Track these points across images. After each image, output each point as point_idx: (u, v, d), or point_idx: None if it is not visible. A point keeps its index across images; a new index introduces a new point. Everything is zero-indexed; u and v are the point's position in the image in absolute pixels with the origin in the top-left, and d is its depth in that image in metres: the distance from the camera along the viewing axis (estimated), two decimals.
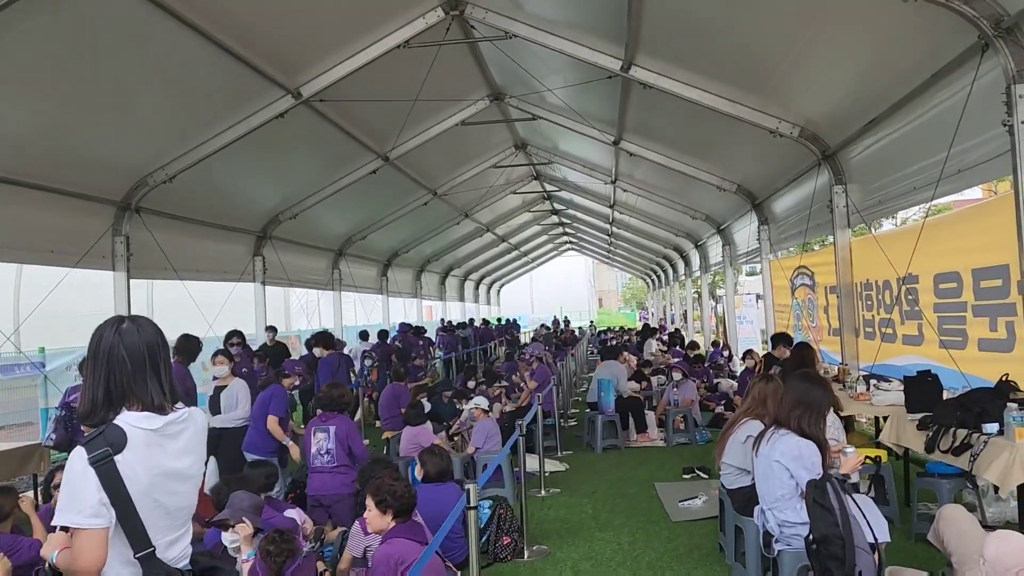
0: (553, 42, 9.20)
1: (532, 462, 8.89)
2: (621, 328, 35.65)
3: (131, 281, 9.98)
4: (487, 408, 9.05)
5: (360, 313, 22.63)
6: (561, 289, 60.95)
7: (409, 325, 21.18)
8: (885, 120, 7.59)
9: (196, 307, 11.42)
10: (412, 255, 23.62)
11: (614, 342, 22.91)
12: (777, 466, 4.42)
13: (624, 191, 17.32)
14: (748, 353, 13.24)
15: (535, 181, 21.49)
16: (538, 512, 7.67)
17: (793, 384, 4.64)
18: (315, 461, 6.32)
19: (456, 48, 10.48)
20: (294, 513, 5.27)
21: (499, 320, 37.24)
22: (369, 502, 4.52)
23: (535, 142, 17.06)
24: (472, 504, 4.18)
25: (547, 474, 9.04)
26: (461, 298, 35.77)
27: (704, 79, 8.92)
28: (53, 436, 7.38)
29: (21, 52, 6.65)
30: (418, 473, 5.70)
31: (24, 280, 11.20)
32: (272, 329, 14.02)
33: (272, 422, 7.25)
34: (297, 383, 8.36)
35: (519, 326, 39.02)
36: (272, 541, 4.41)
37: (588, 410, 11.37)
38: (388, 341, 18.16)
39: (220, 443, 7.52)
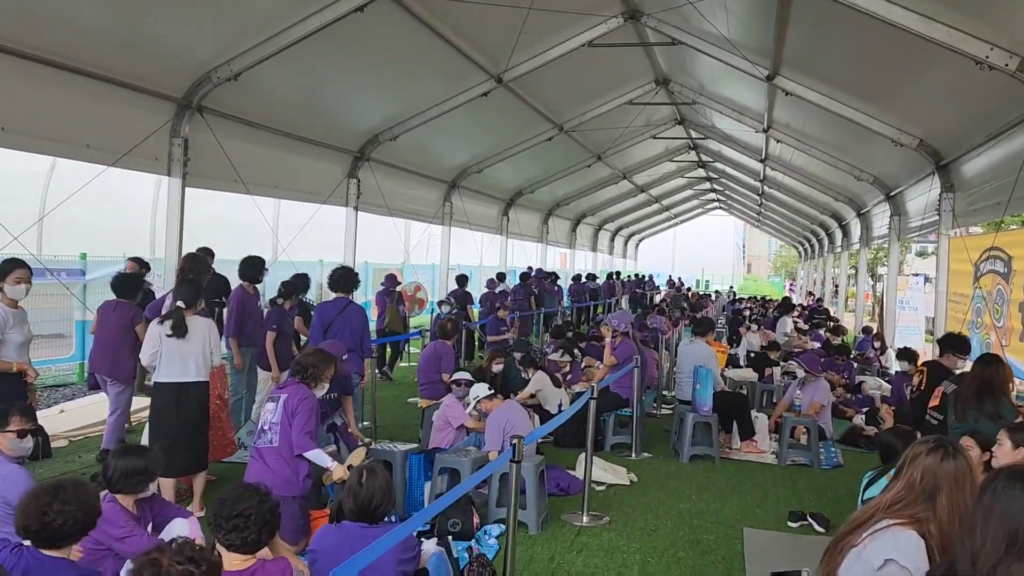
0: None
1: (597, 468, 6.86)
2: (763, 298, 32.03)
3: (187, 190, 8.95)
4: (491, 394, 6.60)
5: (470, 253, 21.30)
6: (706, 249, 57.90)
7: (544, 271, 20.56)
8: None
9: (268, 227, 10.36)
10: (539, 196, 22.03)
11: (748, 313, 20.58)
12: None
13: (778, 142, 14.92)
14: (906, 352, 10.35)
15: (679, 126, 19.27)
16: (562, 554, 5.37)
17: (1012, 493, 2.24)
18: (256, 440, 4.90)
19: None
20: (183, 525, 3.80)
21: (631, 276, 35.08)
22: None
23: (679, 78, 14.90)
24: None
25: (600, 488, 6.85)
26: (594, 247, 33.97)
27: None
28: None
29: None
30: None
31: (56, 177, 10.44)
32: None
33: None
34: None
35: (654, 283, 36.37)
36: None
37: (679, 404, 8.90)
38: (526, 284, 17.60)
39: None
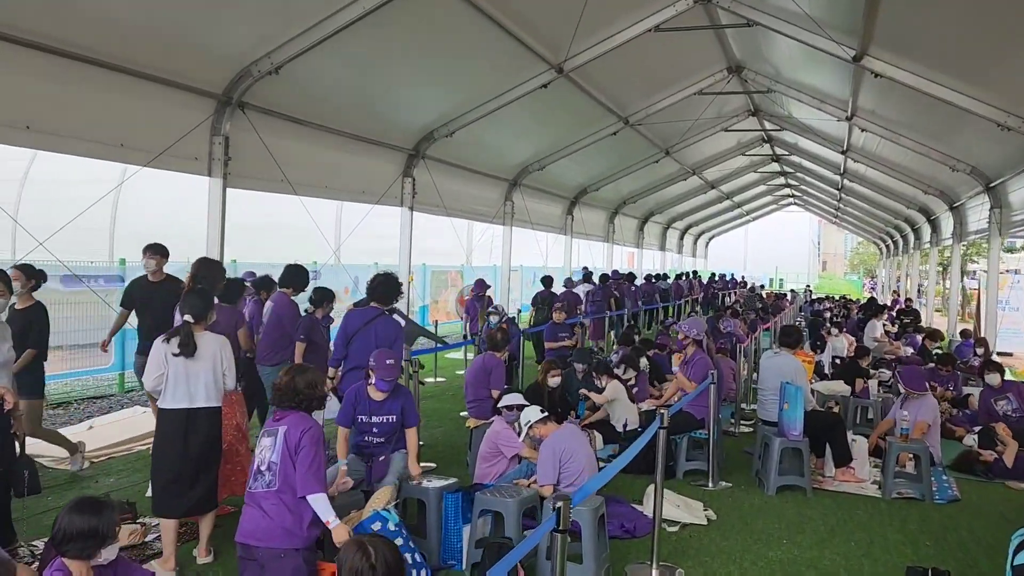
0: None
1: (669, 504, 5.90)
2: (843, 298, 29.86)
3: (228, 191, 8.49)
4: (544, 417, 5.56)
5: (532, 254, 20.58)
6: (779, 246, 55.78)
7: (619, 272, 20.10)
8: None
9: (317, 229, 9.85)
10: (604, 194, 21.18)
11: (829, 315, 19.25)
12: None
13: (862, 130, 13.79)
14: (993, 367, 8.94)
15: (752, 117, 18.16)
16: None
17: None
18: (252, 483, 4.08)
19: None
20: None
21: (700, 275, 33.64)
22: None
23: (754, 65, 13.90)
24: None
25: (672, 528, 5.82)
26: (662, 247, 32.85)
27: None
28: None
29: None
30: None
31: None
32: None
33: None
34: None
35: (735, 281, 34.69)
36: None
37: (762, 425, 7.49)
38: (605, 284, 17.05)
39: None
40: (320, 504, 3.96)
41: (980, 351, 12.29)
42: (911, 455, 7.25)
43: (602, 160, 17.88)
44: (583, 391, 8.35)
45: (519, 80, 11.31)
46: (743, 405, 10.20)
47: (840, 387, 9.24)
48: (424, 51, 9.69)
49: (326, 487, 4.05)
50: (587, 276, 18.60)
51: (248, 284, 8.27)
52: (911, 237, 24.91)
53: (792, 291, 34.53)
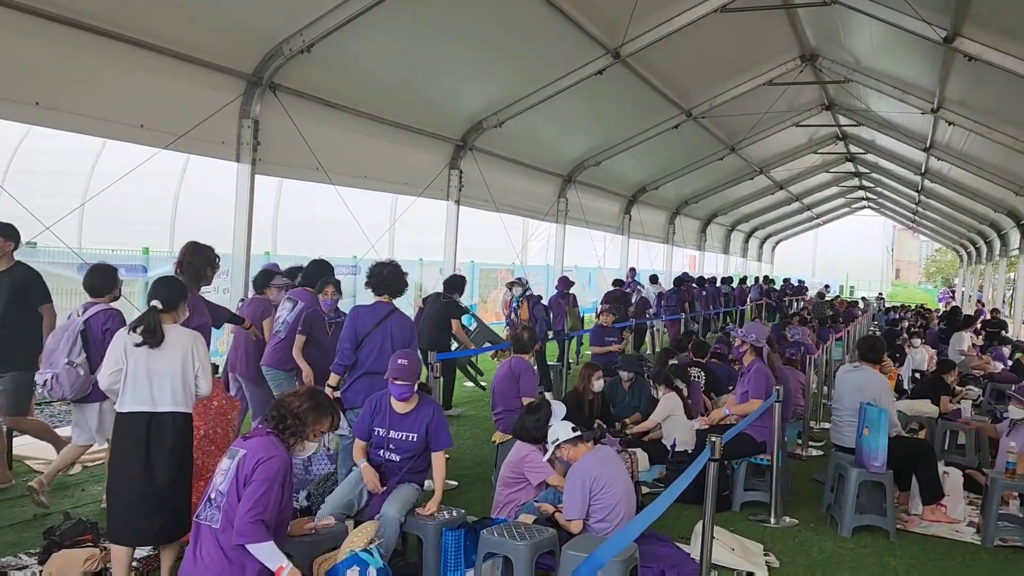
0: None
1: (721, 547, 4.93)
2: (920, 307, 28.01)
3: (257, 177, 7.97)
4: (576, 436, 4.68)
5: (586, 255, 19.75)
6: (851, 252, 53.60)
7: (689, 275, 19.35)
8: None
9: (354, 221, 9.28)
10: (664, 192, 20.20)
11: (905, 325, 17.93)
12: None
13: (949, 124, 12.58)
14: None
15: (826, 112, 17.00)
16: None
17: None
18: (199, 512, 3.42)
19: None
20: None
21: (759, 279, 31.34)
22: None
23: (830, 52, 12.84)
24: None
25: None
26: (726, 250, 31.50)
27: None
28: None
29: None
30: None
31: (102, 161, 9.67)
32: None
33: None
34: None
35: (804, 287, 32.28)
36: None
37: (836, 451, 6.39)
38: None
39: None
40: (264, 553, 3.24)
41: None
42: (1016, 493, 6.08)
43: (663, 156, 16.96)
44: (626, 420, 7.55)
45: (573, 66, 10.59)
46: (812, 424, 9.16)
47: (926, 407, 7.99)
48: (470, 32, 9.06)
49: (270, 534, 3.30)
50: (654, 279, 18.02)
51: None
52: (996, 244, 23.28)
53: (863, 299, 32.84)
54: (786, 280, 32.01)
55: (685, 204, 22.78)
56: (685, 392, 7.41)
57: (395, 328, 5.35)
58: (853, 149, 21.31)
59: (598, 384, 6.82)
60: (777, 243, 41.95)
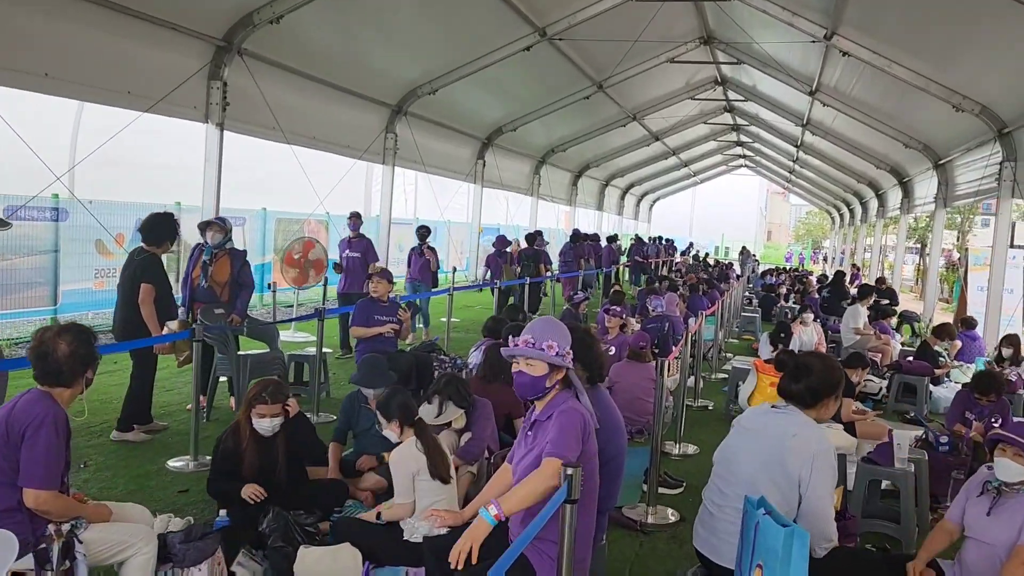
0: None
1: None
2: (796, 270, 26.39)
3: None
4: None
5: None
6: (727, 214, 55.44)
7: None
8: None
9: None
10: (527, 136, 17.89)
11: (783, 292, 17.10)
12: None
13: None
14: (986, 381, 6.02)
15: (704, 47, 14.81)
16: None
17: None
18: None
19: None
20: None
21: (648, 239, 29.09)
22: None
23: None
24: None
25: None
26: (599, 206, 29.26)
27: None
28: None
29: None
30: None
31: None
32: None
33: None
34: None
35: (673, 246, 30.16)
36: None
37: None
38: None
39: None
40: None
41: (1008, 352, 8.20)
42: None
43: (518, 91, 15.09)
44: None
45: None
46: (670, 449, 6.28)
47: (840, 439, 5.00)
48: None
49: None
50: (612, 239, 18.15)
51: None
52: (873, 204, 22.61)
53: (741, 256, 32.14)
54: (656, 238, 29.39)
55: (552, 152, 20.47)
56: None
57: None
58: (732, 96, 19.66)
59: None
60: (655, 201, 41.01)
